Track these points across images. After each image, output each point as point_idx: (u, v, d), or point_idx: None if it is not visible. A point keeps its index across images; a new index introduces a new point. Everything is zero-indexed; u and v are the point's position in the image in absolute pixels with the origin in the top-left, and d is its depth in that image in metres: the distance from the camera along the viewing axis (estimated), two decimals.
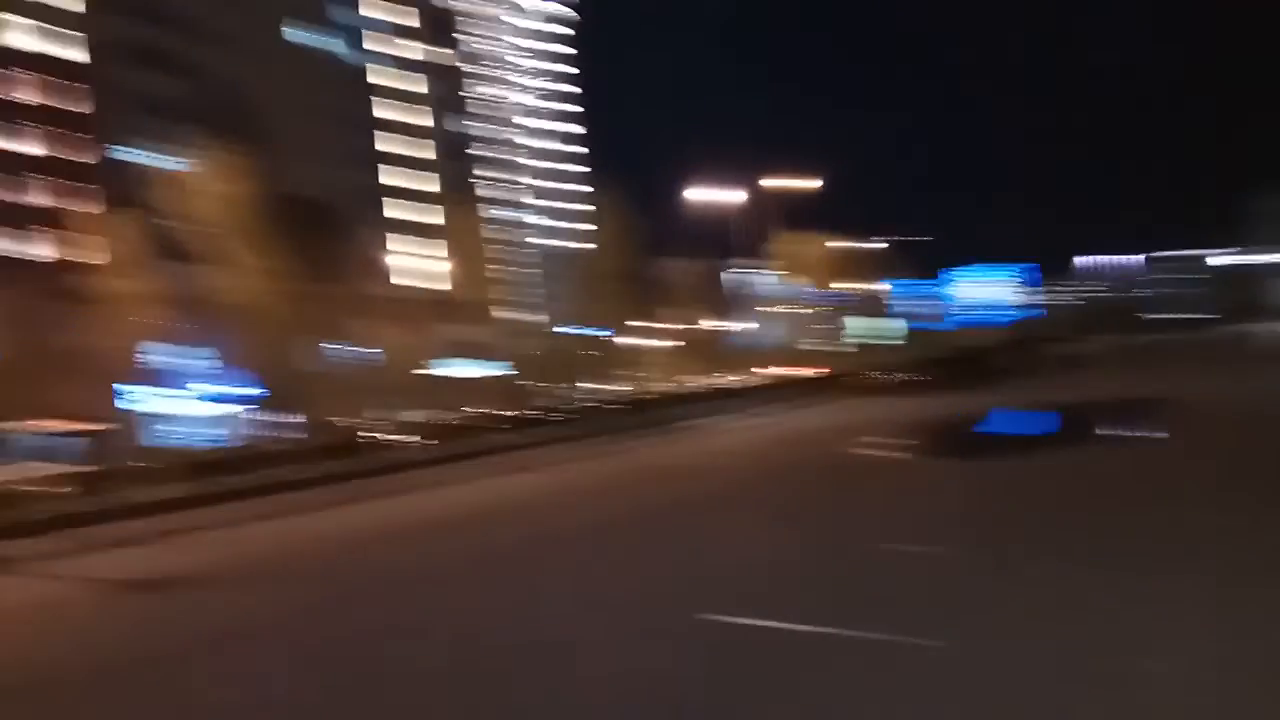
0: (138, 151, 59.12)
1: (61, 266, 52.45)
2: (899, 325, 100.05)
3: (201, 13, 67.04)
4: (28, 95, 57.30)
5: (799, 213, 76.14)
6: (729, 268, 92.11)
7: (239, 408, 52.34)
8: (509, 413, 49.68)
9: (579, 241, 64.80)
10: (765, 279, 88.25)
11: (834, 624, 7.55)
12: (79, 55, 59.93)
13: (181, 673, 8.74)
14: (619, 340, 68.30)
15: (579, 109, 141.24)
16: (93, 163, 58.84)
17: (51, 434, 39.34)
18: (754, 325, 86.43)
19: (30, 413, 38.72)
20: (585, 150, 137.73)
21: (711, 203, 70.30)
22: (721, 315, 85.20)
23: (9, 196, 55.65)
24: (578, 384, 65.07)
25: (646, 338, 74.29)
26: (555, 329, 69.92)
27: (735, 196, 70.43)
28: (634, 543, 12.99)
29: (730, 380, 69.16)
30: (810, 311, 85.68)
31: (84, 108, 59.65)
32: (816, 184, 74.16)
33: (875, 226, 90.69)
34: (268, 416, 45.98)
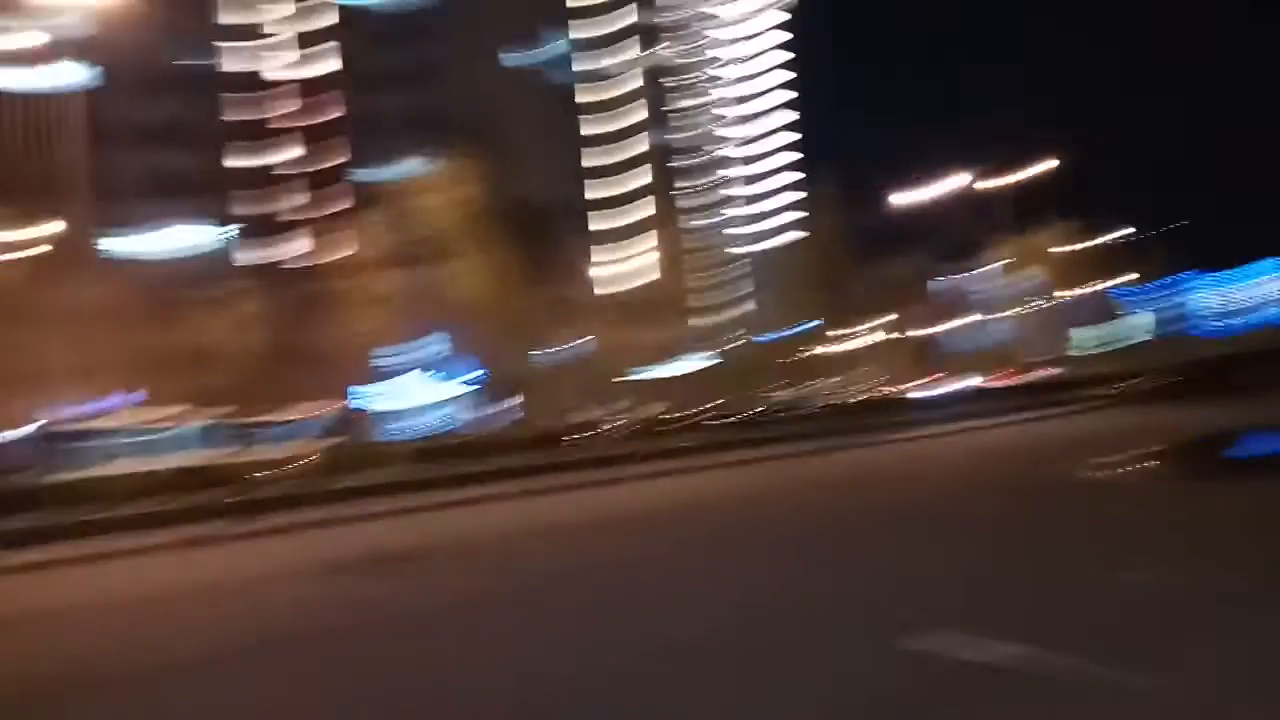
0: (379, 162, 64.52)
1: (312, 268, 58.01)
2: (1137, 328, 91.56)
3: (434, 34, 72.23)
4: (283, 113, 63.86)
5: (1027, 206, 71.19)
6: (946, 266, 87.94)
7: (462, 398, 55.82)
8: (711, 414, 49.97)
9: (786, 242, 63.98)
10: (987, 278, 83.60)
11: (1065, 656, 6.93)
12: (326, 74, 66.15)
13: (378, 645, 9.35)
14: (825, 343, 66.96)
15: (792, 96, 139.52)
16: (339, 173, 64.78)
17: (298, 420, 43.49)
18: (973, 327, 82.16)
19: (281, 401, 43.02)
20: (796, 141, 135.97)
21: (928, 196, 67.25)
22: (937, 317, 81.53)
23: (267, 206, 62.33)
24: (781, 387, 64.41)
25: (854, 340, 72.38)
26: (760, 331, 69.54)
27: (954, 189, 67.04)
28: (828, 555, 12.56)
29: (945, 386, 66.07)
30: (1036, 313, 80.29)
31: (331, 123, 65.80)
32: (1046, 172, 68.89)
33: (1111, 220, 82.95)
34: (487, 407, 48.73)
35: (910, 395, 62.80)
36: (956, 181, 55.29)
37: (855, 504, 17.86)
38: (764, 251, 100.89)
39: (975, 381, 67.00)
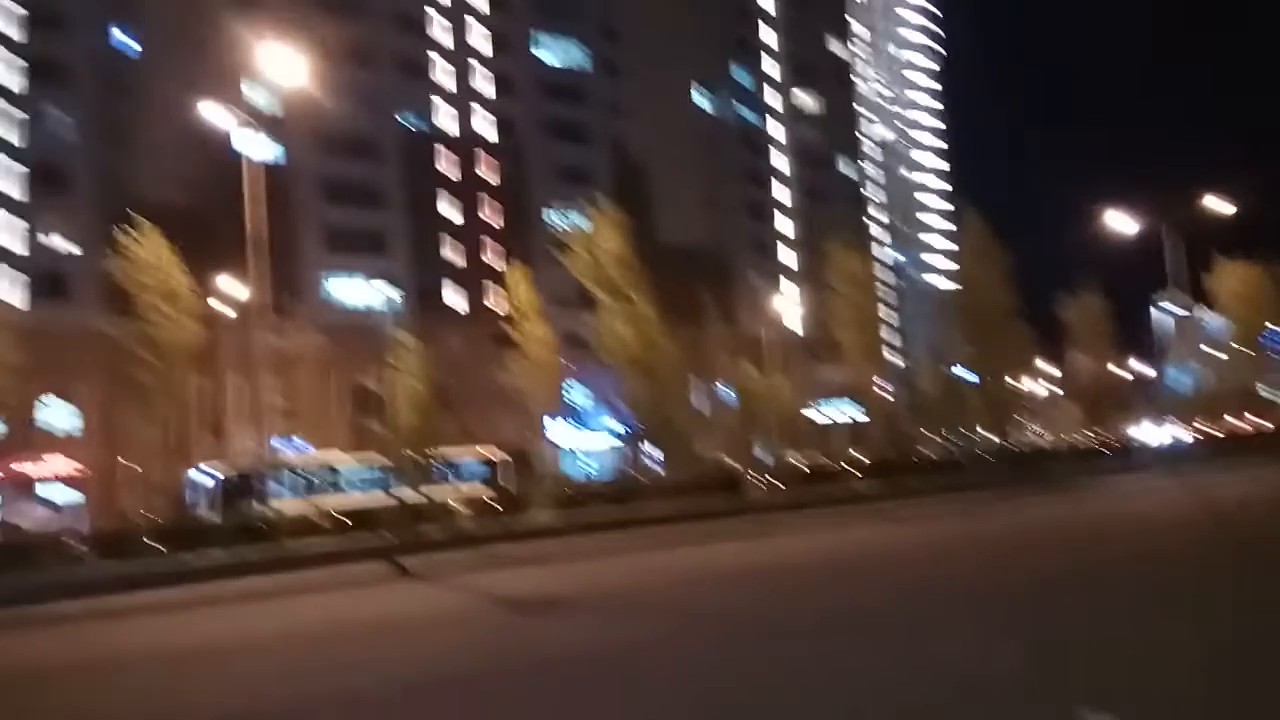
0: (551, 211, 66.58)
1: (481, 315, 60.13)
2: None
3: (602, 83, 74.31)
4: (456, 168, 66.97)
5: (1238, 237, 64.34)
6: (1147, 302, 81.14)
7: (622, 443, 55.96)
8: (879, 459, 47.67)
9: (958, 279, 60.76)
10: (1193, 315, 76.57)
11: None
12: (496, 131, 69.06)
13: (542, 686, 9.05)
14: (1005, 385, 62.89)
15: (941, 129, 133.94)
16: (509, 222, 67.18)
17: (468, 461, 44.66)
18: (1176, 370, 75.28)
19: (453, 441, 44.35)
20: (947, 175, 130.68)
21: (1123, 227, 62.02)
22: (1133, 358, 75.22)
23: (442, 257, 65.34)
24: (956, 431, 60.85)
25: (1038, 382, 67.68)
26: (942, 371, 66.18)
27: (1154, 219, 61.51)
28: (1005, 618, 11.08)
29: (1142, 433, 60.49)
30: (1251, 355, 72.52)
31: (502, 176, 68.49)
32: (1228, 206, 62.28)
33: None
34: (646, 453, 48.54)
35: (1111, 441, 57.97)
36: (1135, 217, 50.54)
37: (1056, 563, 15.98)
38: (938, 285, 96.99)
39: (1179, 427, 61.12)
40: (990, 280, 50.47)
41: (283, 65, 27.77)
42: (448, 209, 66.14)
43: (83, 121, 55.05)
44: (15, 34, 54.60)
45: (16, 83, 54.39)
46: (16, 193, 53.56)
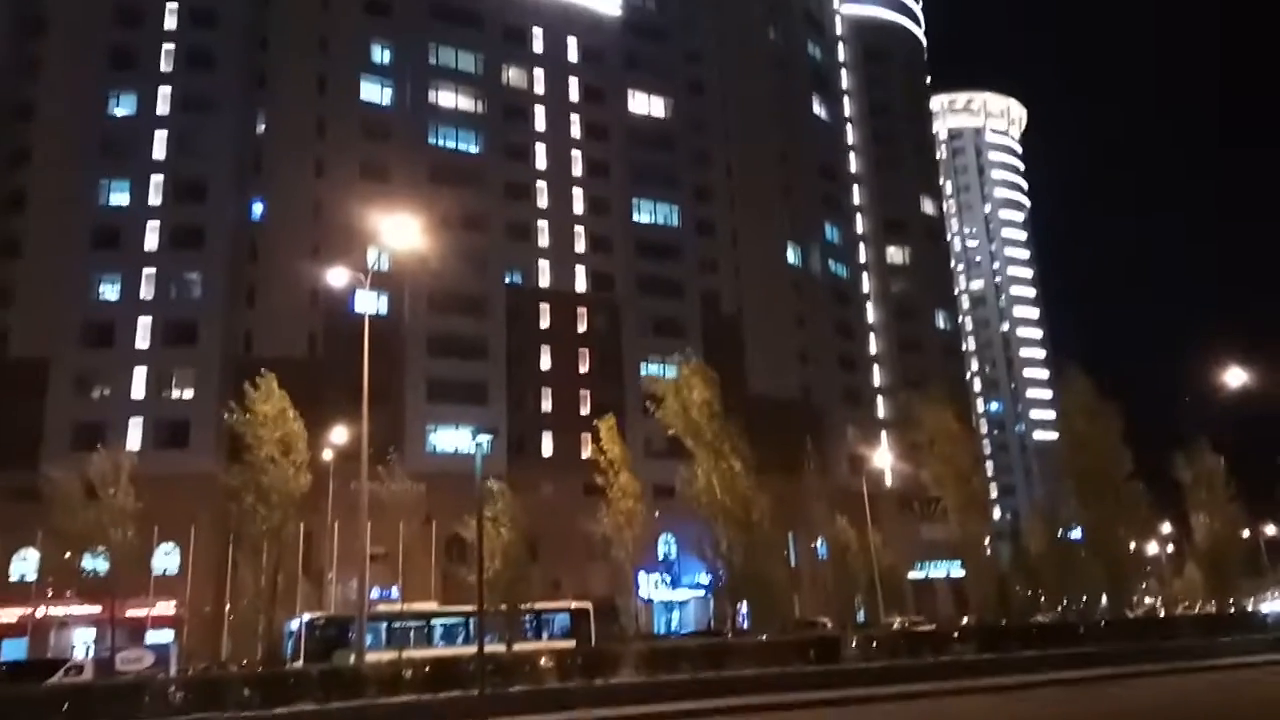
0: (644, 362, 67.86)
1: (576, 464, 60.70)
2: None
3: (694, 240, 76.85)
4: (555, 322, 69.28)
5: None
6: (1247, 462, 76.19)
7: (711, 597, 54.53)
8: (986, 624, 45.13)
9: (1064, 436, 58.56)
10: None
11: None
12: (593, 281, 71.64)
13: None
14: (1121, 547, 59.39)
15: (1030, 279, 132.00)
16: (606, 374, 68.62)
17: (557, 614, 44.15)
18: None
19: (543, 591, 44.09)
20: (1042, 325, 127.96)
21: (1237, 381, 59.15)
22: (1269, 522, 70.32)
23: (544, 406, 66.86)
24: (1069, 596, 57.34)
25: (1156, 546, 63.71)
26: (1041, 531, 63.05)
27: (1244, 375, 58.61)
28: None
29: (1275, 605, 55.84)
30: None
31: (598, 329, 70.52)
32: None
33: None
34: (733, 609, 47.16)
35: (1238, 611, 53.70)
36: (1250, 369, 48.01)
37: None
38: (1046, 443, 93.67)
39: None
40: (1103, 440, 48.60)
41: (400, 231, 29.73)
42: (545, 360, 68.17)
43: (212, 281, 59.63)
44: (157, 201, 60.35)
45: (155, 245, 59.69)
46: (147, 346, 57.82)
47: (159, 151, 61.41)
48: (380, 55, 68.77)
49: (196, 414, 55.78)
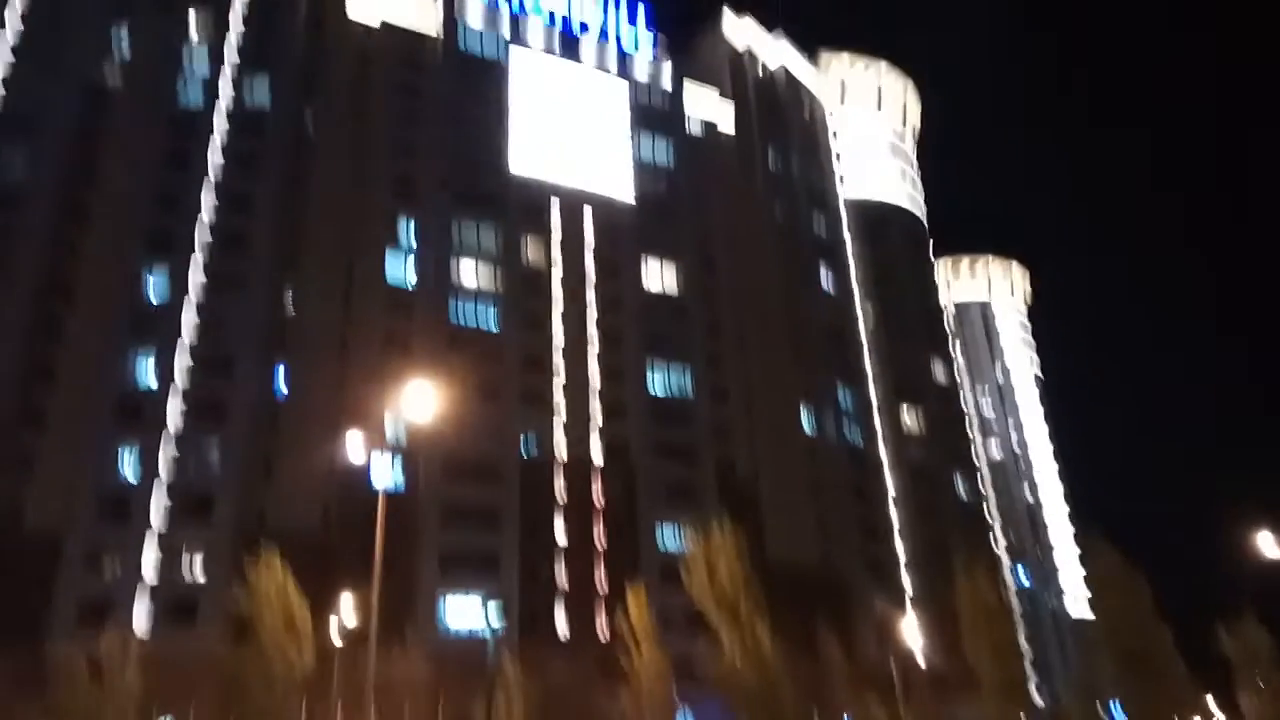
0: (659, 530, 66.66)
1: (590, 639, 58.60)
2: None
3: (708, 407, 77.11)
4: (569, 490, 68.64)
5: None
6: None
7: None
8: None
9: (1095, 609, 56.15)
10: None
11: None
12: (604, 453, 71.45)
13: None
14: None
15: (1049, 447, 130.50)
16: (620, 543, 67.27)
17: None
18: None
19: None
20: (1066, 495, 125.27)
21: (1271, 550, 57.16)
22: None
23: (557, 578, 65.21)
24: None
25: None
26: (1081, 711, 59.74)
27: None
28: None
29: None
30: None
31: (613, 497, 69.71)
32: None
33: None
34: None
35: None
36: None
37: None
38: (1078, 617, 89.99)
39: None
40: (1136, 614, 46.75)
41: (418, 400, 29.88)
42: (560, 529, 67.16)
43: (231, 454, 59.70)
44: (182, 374, 61.28)
45: (178, 418, 60.19)
46: (161, 520, 57.23)
47: (188, 327, 63.02)
48: (406, 235, 71.67)
49: (206, 591, 54.65)
